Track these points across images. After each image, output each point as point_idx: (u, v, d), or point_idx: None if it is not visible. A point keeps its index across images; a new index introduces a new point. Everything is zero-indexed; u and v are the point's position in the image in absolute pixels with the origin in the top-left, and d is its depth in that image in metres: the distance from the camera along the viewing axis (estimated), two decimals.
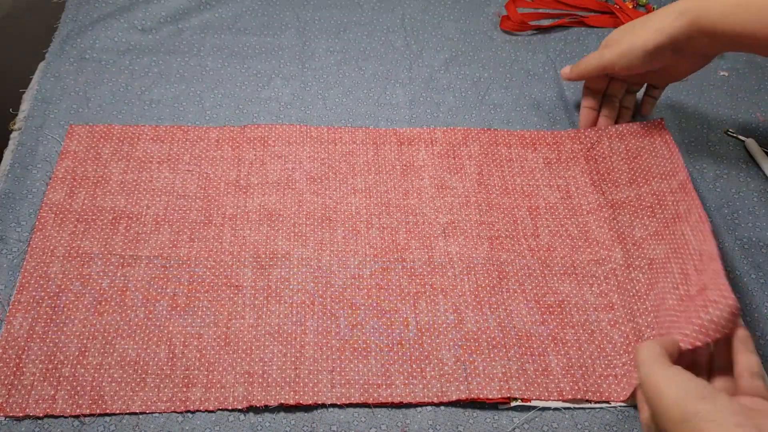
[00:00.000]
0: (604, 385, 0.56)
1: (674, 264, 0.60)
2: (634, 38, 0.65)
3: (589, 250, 0.65)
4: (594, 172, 0.70)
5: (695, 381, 0.43)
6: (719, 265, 0.54)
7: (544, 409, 0.56)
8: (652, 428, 0.47)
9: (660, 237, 0.63)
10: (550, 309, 0.61)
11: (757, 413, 0.41)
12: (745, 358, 0.49)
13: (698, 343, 0.50)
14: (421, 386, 0.56)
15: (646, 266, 0.62)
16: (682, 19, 0.61)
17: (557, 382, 0.56)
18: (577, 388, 0.56)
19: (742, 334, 0.50)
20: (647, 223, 0.65)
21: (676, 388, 0.43)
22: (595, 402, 0.56)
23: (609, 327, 0.59)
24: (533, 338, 0.59)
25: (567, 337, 0.59)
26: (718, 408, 0.41)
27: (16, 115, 0.72)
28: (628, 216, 0.66)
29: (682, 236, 0.61)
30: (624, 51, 0.66)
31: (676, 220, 0.63)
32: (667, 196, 0.66)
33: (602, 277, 0.63)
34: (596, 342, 0.59)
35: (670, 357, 0.47)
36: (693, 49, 0.64)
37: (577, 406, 0.56)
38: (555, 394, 0.56)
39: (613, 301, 0.61)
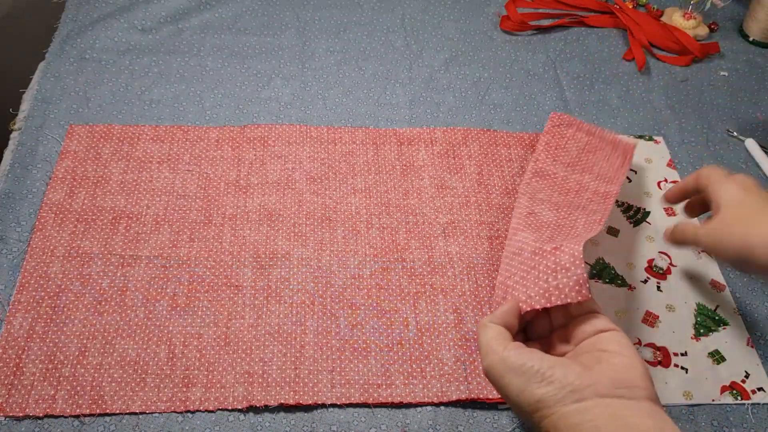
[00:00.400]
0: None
1: (549, 228, 0.59)
2: (730, 240, 0.53)
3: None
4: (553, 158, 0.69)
5: (533, 362, 0.43)
6: (581, 244, 0.51)
7: None
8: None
9: (556, 208, 0.62)
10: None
11: (590, 373, 0.42)
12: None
13: (538, 307, 0.48)
14: (421, 386, 0.56)
15: (530, 215, 0.61)
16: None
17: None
18: None
19: (590, 306, 0.48)
20: (557, 200, 0.63)
21: (517, 380, 0.43)
22: None
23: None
24: None
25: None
26: (557, 389, 0.41)
27: (16, 115, 0.72)
28: (545, 193, 0.65)
29: (572, 218, 0.61)
30: (741, 239, 0.53)
31: (579, 210, 0.62)
32: (587, 192, 0.65)
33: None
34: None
35: (510, 329, 0.46)
36: None
37: None
38: None
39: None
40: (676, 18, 0.88)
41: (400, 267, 0.63)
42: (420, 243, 0.65)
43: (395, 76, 0.80)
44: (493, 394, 0.55)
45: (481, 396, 0.55)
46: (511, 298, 0.50)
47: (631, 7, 0.90)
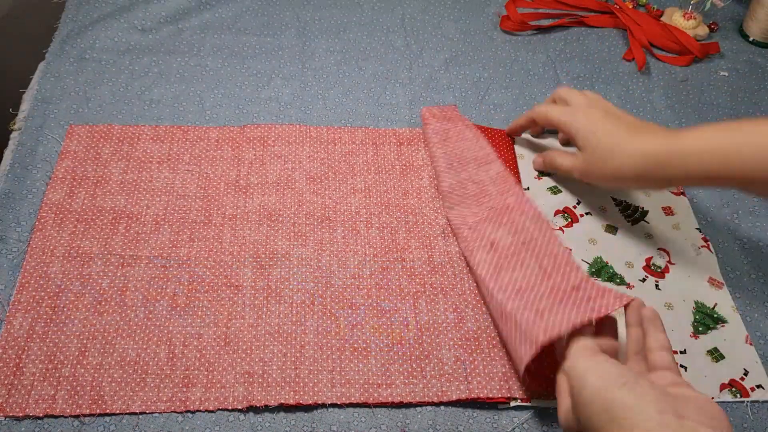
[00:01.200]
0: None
1: (529, 258, 0.59)
2: (597, 170, 0.62)
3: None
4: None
5: (617, 368, 0.44)
6: (583, 272, 0.57)
7: (543, 408, 0.56)
8: (570, 420, 0.46)
9: (496, 224, 0.62)
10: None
11: (674, 399, 0.42)
12: (653, 336, 0.50)
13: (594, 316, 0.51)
14: (421, 386, 0.56)
15: (489, 246, 0.61)
16: (646, 162, 0.59)
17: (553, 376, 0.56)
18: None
19: (650, 314, 0.51)
20: (476, 211, 0.65)
21: (598, 376, 0.44)
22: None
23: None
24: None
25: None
26: (638, 394, 0.42)
27: (16, 115, 0.72)
28: (457, 206, 0.66)
29: (524, 230, 0.61)
30: (589, 175, 0.64)
31: (508, 210, 0.63)
32: (488, 186, 0.66)
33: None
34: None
35: (598, 346, 0.48)
36: (653, 184, 0.63)
37: None
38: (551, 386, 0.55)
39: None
40: (676, 18, 0.88)
41: (399, 267, 0.63)
42: (420, 243, 0.65)
43: (395, 76, 0.80)
44: (493, 394, 0.55)
45: (482, 395, 0.55)
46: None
47: (631, 7, 0.90)
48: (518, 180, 0.69)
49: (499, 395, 0.55)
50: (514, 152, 0.72)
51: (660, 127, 0.62)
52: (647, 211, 0.69)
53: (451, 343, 0.58)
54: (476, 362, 0.57)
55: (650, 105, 0.80)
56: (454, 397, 0.55)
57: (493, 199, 0.65)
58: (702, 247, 0.67)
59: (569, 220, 0.66)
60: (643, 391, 0.42)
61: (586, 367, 0.45)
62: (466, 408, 0.56)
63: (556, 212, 0.67)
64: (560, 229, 0.65)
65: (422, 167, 0.71)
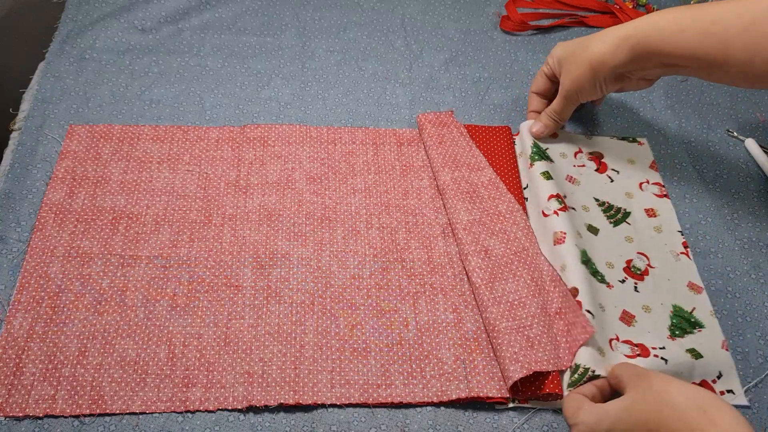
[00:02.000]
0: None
1: (521, 269, 0.61)
2: (579, 66, 0.65)
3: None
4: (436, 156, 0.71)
5: (579, 399, 0.52)
6: (565, 287, 0.59)
7: (542, 409, 0.56)
8: None
9: (489, 231, 0.64)
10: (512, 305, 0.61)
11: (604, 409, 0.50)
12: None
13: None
14: (420, 386, 0.56)
15: (483, 253, 0.62)
16: (625, 45, 0.61)
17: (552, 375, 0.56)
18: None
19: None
20: (469, 207, 0.65)
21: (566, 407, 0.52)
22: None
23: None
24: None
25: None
26: (584, 413, 0.50)
27: (16, 115, 0.72)
28: (451, 200, 0.66)
29: (516, 240, 0.63)
30: (574, 79, 0.66)
31: (500, 218, 0.65)
32: (480, 189, 0.67)
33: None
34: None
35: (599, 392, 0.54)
36: (635, 72, 0.65)
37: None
38: (552, 383, 0.56)
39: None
40: None
41: (399, 267, 0.63)
42: (420, 243, 0.65)
43: (395, 76, 0.80)
44: (493, 393, 0.55)
45: (481, 395, 0.55)
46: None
47: (631, 7, 0.90)
48: (517, 179, 0.69)
49: (499, 395, 0.55)
50: (513, 149, 0.72)
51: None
52: (630, 213, 0.69)
53: (451, 343, 0.58)
54: (476, 362, 0.57)
55: (650, 105, 0.80)
56: (454, 397, 0.55)
57: (484, 203, 0.66)
58: (681, 253, 0.66)
59: (562, 204, 0.66)
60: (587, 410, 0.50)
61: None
62: (466, 408, 0.56)
63: (550, 197, 0.66)
64: (555, 212, 0.64)
65: (422, 168, 0.71)
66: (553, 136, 0.74)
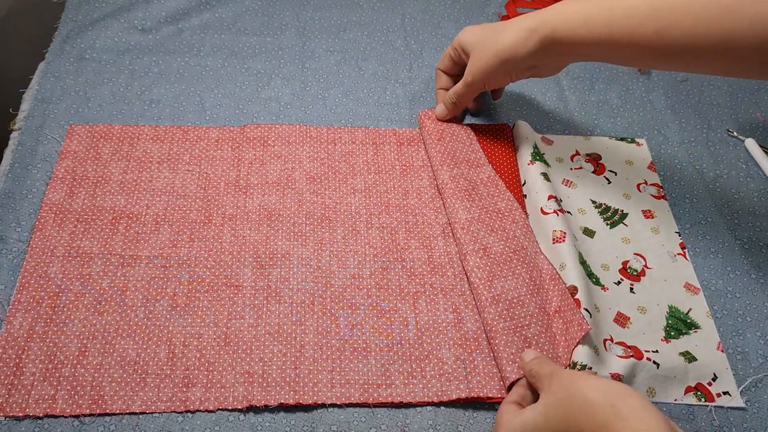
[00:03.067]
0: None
1: (520, 268, 0.61)
2: (488, 58, 0.65)
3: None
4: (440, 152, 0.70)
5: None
6: (564, 286, 0.59)
7: None
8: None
9: (488, 228, 0.63)
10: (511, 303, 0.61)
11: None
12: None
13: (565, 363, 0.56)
14: (420, 386, 0.56)
15: (482, 251, 0.62)
16: (534, 37, 0.61)
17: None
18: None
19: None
20: (468, 206, 0.65)
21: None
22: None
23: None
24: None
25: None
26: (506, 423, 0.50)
27: (16, 115, 0.72)
28: (450, 198, 0.66)
29: (515, 238, 0.63)
30: (482, 69, 0.66)
31: (499, 215, 0.65)
32: (479, 186, 0.67)
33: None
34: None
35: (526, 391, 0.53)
36: (545, 62, 0.64)
37: None
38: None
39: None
40: None
41: (399, 267, 0.63)
42: (420, 243, 0.65)
43: (395, 76, 0.80)
44: (493, 393, 0.55)
45: (481, 395, 0.55)
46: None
47: None
48: (516, 176, 0.69)
49: (499, 395, 0.55)
50: (512, 145, 0.72)
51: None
52: (627, 214, 0.69)
53: (451, 342, 0.58)
54: (476, 362, 0.57)
55: (650, 105, 0.80)
56: (454, 396, 0.55)
57: (483, 200, 0.66)
58: (678, 254, 0.66)
59: (560, 207, 0.66)
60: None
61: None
62: (466, 408, 0.56)
63: (550, 197, 0.66)
64: (554, 212, 0.64)
65: (422, 167, 0.71)
66: (547, 142, 0.73)
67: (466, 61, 0.68)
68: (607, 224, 0.68)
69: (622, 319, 0.61)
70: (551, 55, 0.62)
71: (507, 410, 0.51)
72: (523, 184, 0.69)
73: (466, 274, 0.62)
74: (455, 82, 0.71)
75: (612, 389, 0.45)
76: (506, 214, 0.65)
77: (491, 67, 0.65)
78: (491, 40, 0.65)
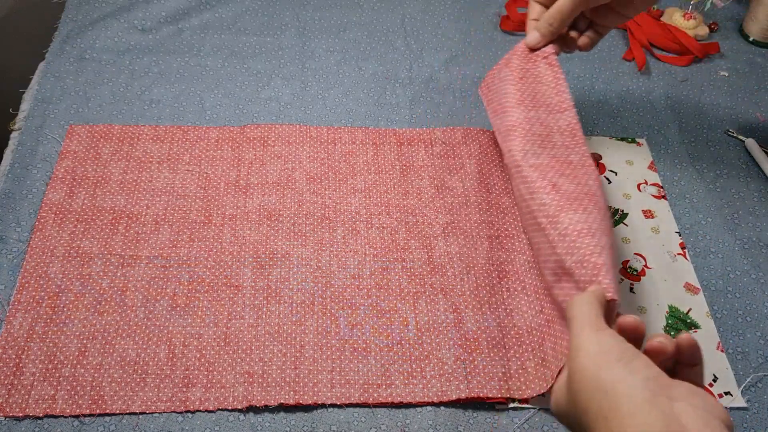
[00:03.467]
0: None
1: (591, 206, 0.54)
2: None
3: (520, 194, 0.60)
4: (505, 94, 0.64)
5: (618, 344, 0.40)
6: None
7: (543, 409, 0.56)
8: (559, 397, 0.43)
9: (557, 172, 0.58)
10: (544, 293, 0.60)
11: (672, 384, 0.38)
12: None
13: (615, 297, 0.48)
14: (420, 386, 0.56)
15: (551, 187, 0.56)
16: None
17: (552, 366, 0.55)
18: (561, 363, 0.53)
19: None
20: (538, 152, 0.59)
21: (597, 345, 0.41)
22: None
23: (553, 273, 0.54)
24: (534, 333, 0.58)
25: (554, 313, 0.57)
26: (633, 370, 0.38)
27: (16, 115, 0.72)
28: (517, 139, 0.60)
29: (586, 184, 0.56)
30: None
31: (570, 166, 0.58)
32: (555, 135, 0.61)
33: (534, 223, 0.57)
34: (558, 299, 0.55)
35: (603, 311, 0.45)
36: None
37: None
38: (549, 379, 0.55)
39: (540, 241, 0.56)
40: (676, 18, 0.88)
41: (399, 267, 0.63)
42: (420, 243, 0.65)
43: (395, 76, 0.80)
44: (493, 394, 0.55)
45: (481, 395, 0.55)
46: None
47: None
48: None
49: (499, 395, 0.55)
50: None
51: None
52: (627, 214, 0.69)
53: (451, 343, 0.58)
54: (476, 362, 0.57)
55: (650, 105, 0.80)
56: (454, 397, 0.55)
57: (556, 149, 0.59)
58: (678, 254, 0.66)
59: None
60: (639, 369, 0.38)
61: (586, 337, 0.42)
62: (466, 408, 0.56)
63: None
64: None
65: (422, 167, 0.71)
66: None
67: None
68: None
69: None
70: None
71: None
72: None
73: (528, 213, 0.56)
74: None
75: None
76: (578, 166, 0.59)
77: None
78: None
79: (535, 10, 0.65)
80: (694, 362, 0.42)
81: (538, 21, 0.64)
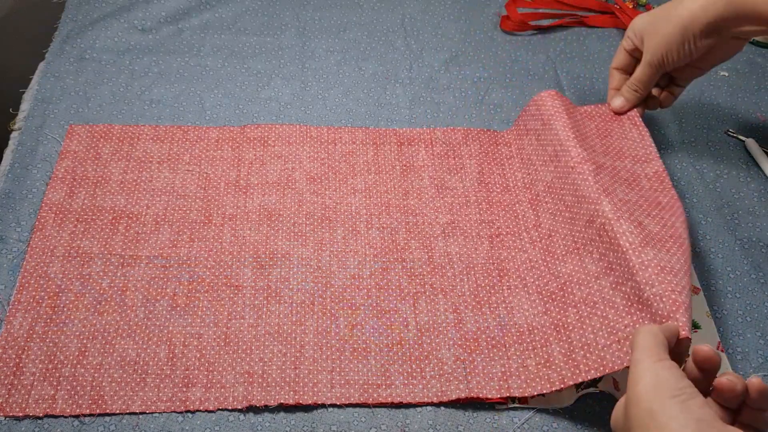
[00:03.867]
0: (608, 356, 0.52)
1: (675, 248, 0.55)
2: (667, 26, 0.62)
3: (582, 211, 0.60)
4: (576, 130, 0.67)
5: (678, 379, 0.41)
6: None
7: (543, 409, 0.56)
8: (619, 416, 0.44)
9: (644, 212, 0.59)
10: (553, 296, 0.59)
11: (724, 429, 0.39)
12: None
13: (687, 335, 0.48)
14: (420, 386, 0.56)
15: (634, 224, 0.57)
16: (719, 2, 0.58)
17: (559, 371, 0.55)
18: (578, 371, 0.54)
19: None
20: (626, 191, 0.61)
21: (655, 377, 0.41)
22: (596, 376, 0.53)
23: (611, 291, 0.55)
24: (535, 332, 0.58)
25: (569, 320, 0.57)
26: (687, 409, 0.39)
27: (16, 115, 0.72)
28: (608, 178, 0.62)
29: (673, 226, 0.58)
30: (661, 41, 0.63)
31: (660, 208, 0.60)
32: (642, 180, 0.63)
33: (596, 237, 0.58)
34: (598, 313, 0.55)
35: (668, 346, 0.45)
36: (730, 30, 0.61)
37: (573, 406, 0.56)
38: (557, 383, 0.54)
39: (611, 260, 0.57)
40: None
41: (399, 267, 0.63)
42: (420, 243, 0.65)
43: (395, 76, 0.80)
44: (493, 394, 0.55)
45: (481, 395, 0.55)
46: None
47: (631, 7, 0.90)
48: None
49: (498, 395, 0.55)
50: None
51: None
52: None
53: (451, 343, 0.58)
54: (476, 362, 0.57)
55: None
56: (454, 397, 0.55)
57: (644, 191, 0.62)
58: None
59: None
60: (692, 409, 0.39)
61: (649, 365, 0.42)
62: (466, 408, 0.56)
63: None
64: None
65: (422, 167, 0.71)
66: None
67: (641, 48, 0.65)
68: None
69: None
70: (736, 20, 0.59)
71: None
72: None
73: (609, 239, 0.56)
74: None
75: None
76: (666, 207, 0.60)
77: (670, 35, 0.61)
78: (671, 8, 0.62)
79: (615, 79, 0.70)
80: (762, 408, 0.42)
81: (619, 89, 0.69)
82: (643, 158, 0.65)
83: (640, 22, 0.65)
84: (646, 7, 0.91)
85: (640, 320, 0.52)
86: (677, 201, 0.61)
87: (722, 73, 0.84)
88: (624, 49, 0.68)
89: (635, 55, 0.68)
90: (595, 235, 0.58)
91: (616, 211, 0.57)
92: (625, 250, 0.54)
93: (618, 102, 0.69)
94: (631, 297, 0.53)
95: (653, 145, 0.66)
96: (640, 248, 0.54)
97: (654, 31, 0.63)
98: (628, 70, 0.69)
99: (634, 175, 0.63)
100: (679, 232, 0.57)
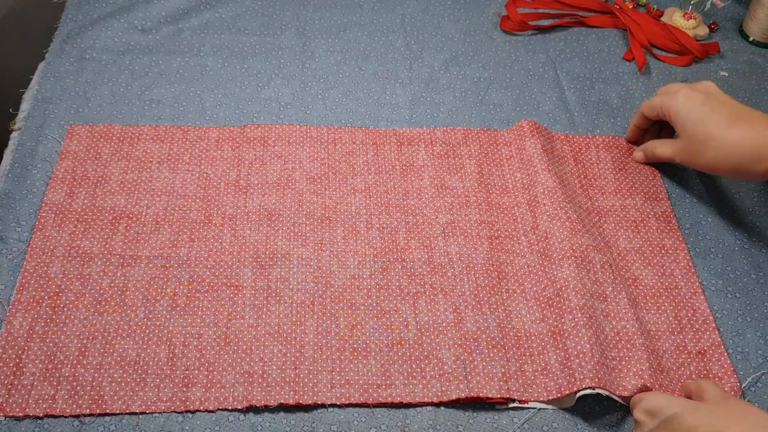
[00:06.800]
0: (601, 372, 0.55)
1: (667, 304, 0.62)
2: (697, 163, 0.64)
3: (587, 235, 0.64)
4: (582, 176, 0.71)
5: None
6: (717, 335, 0.60)
7: (543, 409, 0.56)
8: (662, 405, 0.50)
9: (645, 260, 0.65)
10: (550, 302, 0.60)
11: None
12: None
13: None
14: (420, 386, 0.56)
15: (630, 281, 0.63)
16: (739, 156, 0.59)
17: (556, 379, 0.56)
18: (573, 379, 0.55)
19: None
20: (631, 236, 0.66)
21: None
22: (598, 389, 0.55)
23: (602, 317, 0.59)
24: (533, 338, 0.59)
25: (564, 327, 0.58)
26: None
27: (16, 115, 0.72)
28: (612, 225, 0.67)
29: (671, 275, 0.63)
30: (699, 166, 0.65)
31: (662, 253, 0.65)
32: (650, 219, 0.68)
33: (598, 265, 0.62)
34: (593, 328, 0.57)
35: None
36: (753, 177, 0.62)
37: (573, 407, 0.56)
38: (554, 392, 0.55)
39: (607, 292, 0.61)
40: (676, 18, 0.88)
41: (399, 267, 0.63)
42: (420, 243, 0.65)
43: (395, 76, 0.80)
44: (493, 394, 0.55)
45: (481, 395, 0.55)
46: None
47: (631, 7, 0.90)
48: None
49: (498, 395, 0.55)
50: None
51: (763, 115, 0.60)
52: None
53: (451, 343, 0.58)
54: (476, 362, 0.57)
55: None
56: (454, 396, 0.55)
57: (651, 233, 0.67)
58: None
59: None
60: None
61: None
62: (466, 408, 0.56)
63: None
64: None
65: (422, 167, 0.71)
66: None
67: (670, 122, 0.66)
68: None
69: None
70: (756, 174, 0.60)
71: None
72: None
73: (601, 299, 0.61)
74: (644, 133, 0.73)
75: None
76: (670, 252, 0.65)
77: (695, 164, 0.65)
78: (699, 139, 0.62)
79: (641, 118, 0.71)
80: None
81: (638, 128, 0.72)
82: (653, 196, 0.70)
83: (678, 106, 0.64)
84: (647, 7, 0.91)
85: (691, 368, 0.58)
86: (682, 243, 0.66)
87: (722, 73, 0.84)
88: (655, 108, 0.68)
89: (662, 117, 0.68)
90: (597, 261, 0.63)
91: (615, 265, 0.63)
92: (625, 299, 0.61)
93: (639, 156, 0.72)
94: (621, 334, 0.59)
95: (663, 185, 0.71)
96: (629, 309, 0.60)
97: (695, 148, 0.64)
98: (648, 127, 0.72)
99: (642, 213, 0.68)
100: (676, 281, 0.63)
